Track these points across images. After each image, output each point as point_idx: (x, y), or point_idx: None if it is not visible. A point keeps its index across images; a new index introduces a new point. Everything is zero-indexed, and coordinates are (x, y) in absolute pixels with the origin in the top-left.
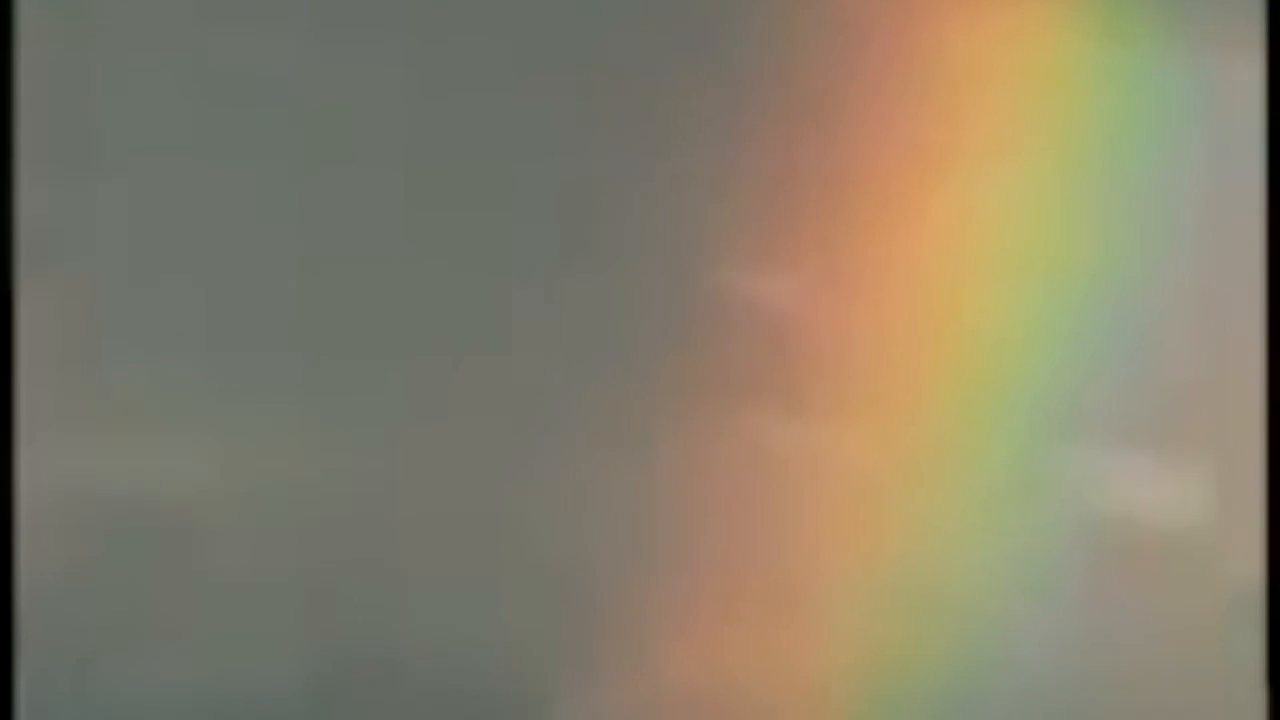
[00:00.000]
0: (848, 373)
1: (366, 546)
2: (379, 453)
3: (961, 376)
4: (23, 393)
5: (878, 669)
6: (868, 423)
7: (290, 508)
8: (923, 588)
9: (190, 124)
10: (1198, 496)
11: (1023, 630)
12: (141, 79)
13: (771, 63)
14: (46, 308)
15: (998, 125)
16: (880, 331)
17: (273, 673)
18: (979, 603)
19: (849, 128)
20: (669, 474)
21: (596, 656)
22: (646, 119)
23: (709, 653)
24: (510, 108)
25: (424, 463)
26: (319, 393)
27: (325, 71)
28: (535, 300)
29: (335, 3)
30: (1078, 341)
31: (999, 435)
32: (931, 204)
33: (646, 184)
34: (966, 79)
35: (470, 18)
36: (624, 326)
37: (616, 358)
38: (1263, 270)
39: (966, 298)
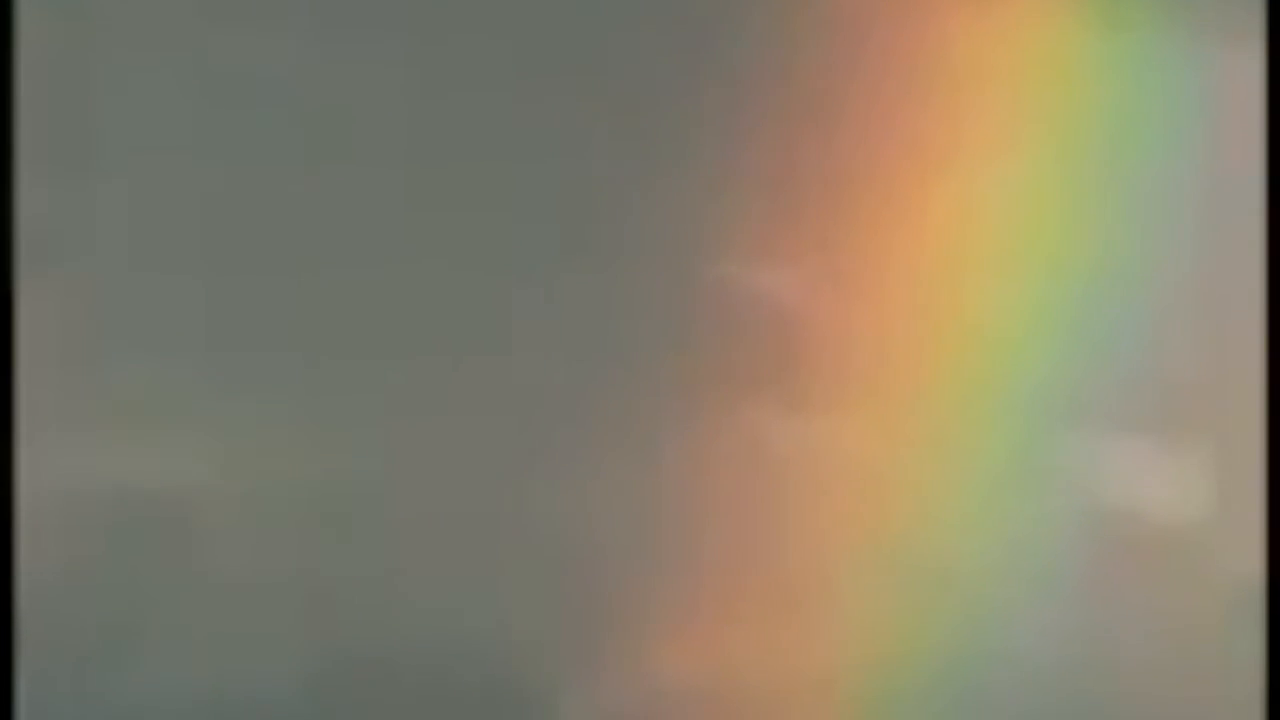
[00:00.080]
0: (849, 368)
1: (367, 545)
2: (379, 451)
3: (962, 370)
4: (22, 392)
5: (881, 663)
6: (869, 417)
7: (291, 506)
8: (924, 582)
9: (190, 124)
10: (1198, 487)
11: (1025, 622)
12: (141, 79)
13: (772, 59)
14: (46, 308)
15: (998, 120)
16: (882, 326)
17: (273, 671)
18: (980, 595)
19: (849, 123)
20: (671, 469)
21: (599, 653)
22: (647, 116)
23: (712, 648)
24: (511, 106)
25: (424, 460)
26: (319, 391)
27: (325, 71)
28: (537, 297)
29: (335, 2)
30: (1078, 334)
31: (1000, 429)
32: (932, 198)
33: (648, 181)
34: (966, 74)
35: (471, 16)
36: (626, 323)
37: (618, 354)
38: (1263, 263)
39: (967, 291)
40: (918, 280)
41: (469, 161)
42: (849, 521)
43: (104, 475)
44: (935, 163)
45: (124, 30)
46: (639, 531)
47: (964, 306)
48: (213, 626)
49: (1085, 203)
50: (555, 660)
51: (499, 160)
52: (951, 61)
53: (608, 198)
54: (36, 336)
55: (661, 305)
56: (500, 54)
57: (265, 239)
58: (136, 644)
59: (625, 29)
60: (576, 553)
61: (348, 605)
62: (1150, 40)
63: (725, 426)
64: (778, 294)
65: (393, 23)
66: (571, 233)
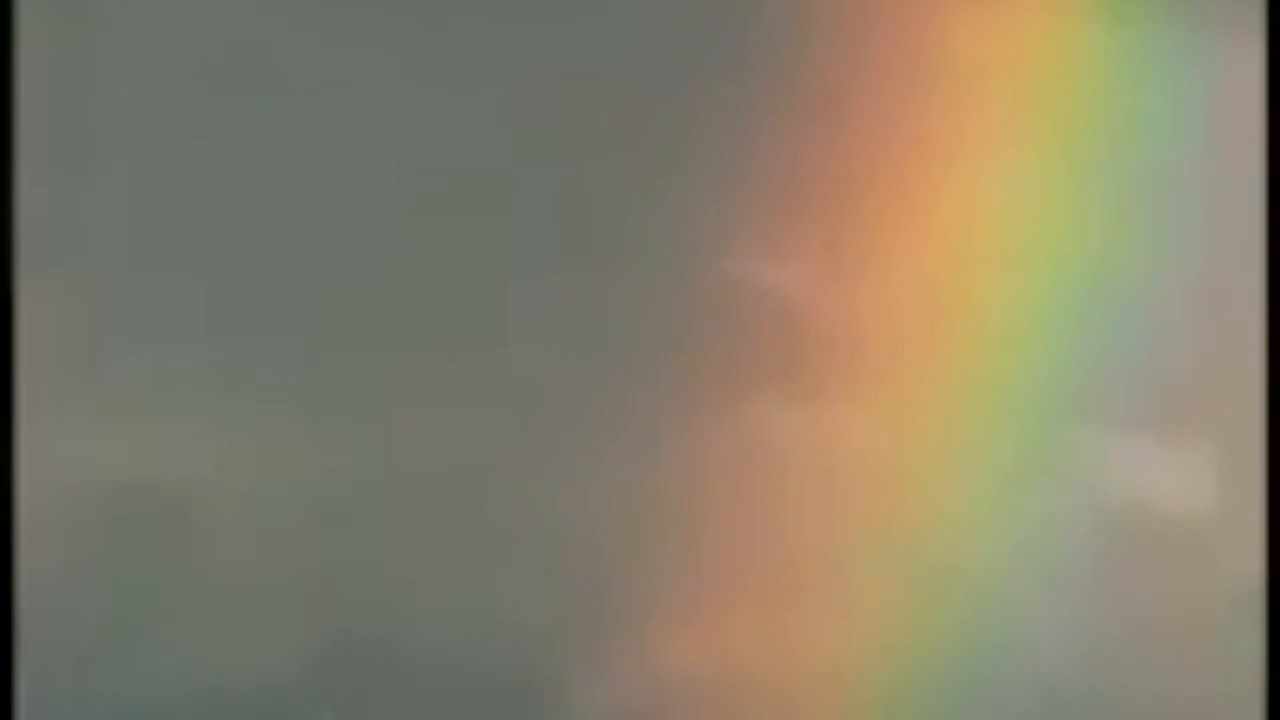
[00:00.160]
0: (855, 363)
1: (368, 540)
2: (381, 445)
3: (967, 366)
4: (23, 389)
5: (886, 656)
6: (874, 412)
7: (292, 501)
8: (928, 575)
9: (189, 123)
10: (1202, 481)
11: (1030, 615)
12: (141, 78)
13: (778, 56)
14: (46, 306)
15: (1001, 116)
16: (888, 321)
17: (275, 665)
18: (985, 588)
19: (854, 119)
20: (677, 464)
21: (604, 645)
22: (653, 113)
23: (717, 640)
24: (517, 102)
25: (427, 455)
26: (321, 386)
27: (325, 69)
28: (543, 291)
29: (336, 2)
30: (1081, 329)
31: (1004, 424)
32: (936, 194)
33: (654, 177)
34: (970, 70)
35: (478, 9)
36: (632, 318)
37: (625, 349)
38: (1263, 258)
39: (972, 287)
40: (922, 275)
41: (472, 158)
42: (854, 515)
43: (104, 470)
44: (939, 159)
45: (124, 30)
46: (645, 525)
47: (969, 300)
48: (213, 620)
49: (1089, 198)
50: (560, 653)
51: (504, 157)
52: (955, 58)
53: (614, 194)
54: (36, 334)
55: (668, 301)
56: (506, 50)
57: (265, 236)
58: (137, 638)
59: (633, 23)
60: (582, 546)
61: (349, 600)
62: (1152, 37)
63: (731, 421)
64: (784, 289)
65: (396, 17)
66: (578, 229)
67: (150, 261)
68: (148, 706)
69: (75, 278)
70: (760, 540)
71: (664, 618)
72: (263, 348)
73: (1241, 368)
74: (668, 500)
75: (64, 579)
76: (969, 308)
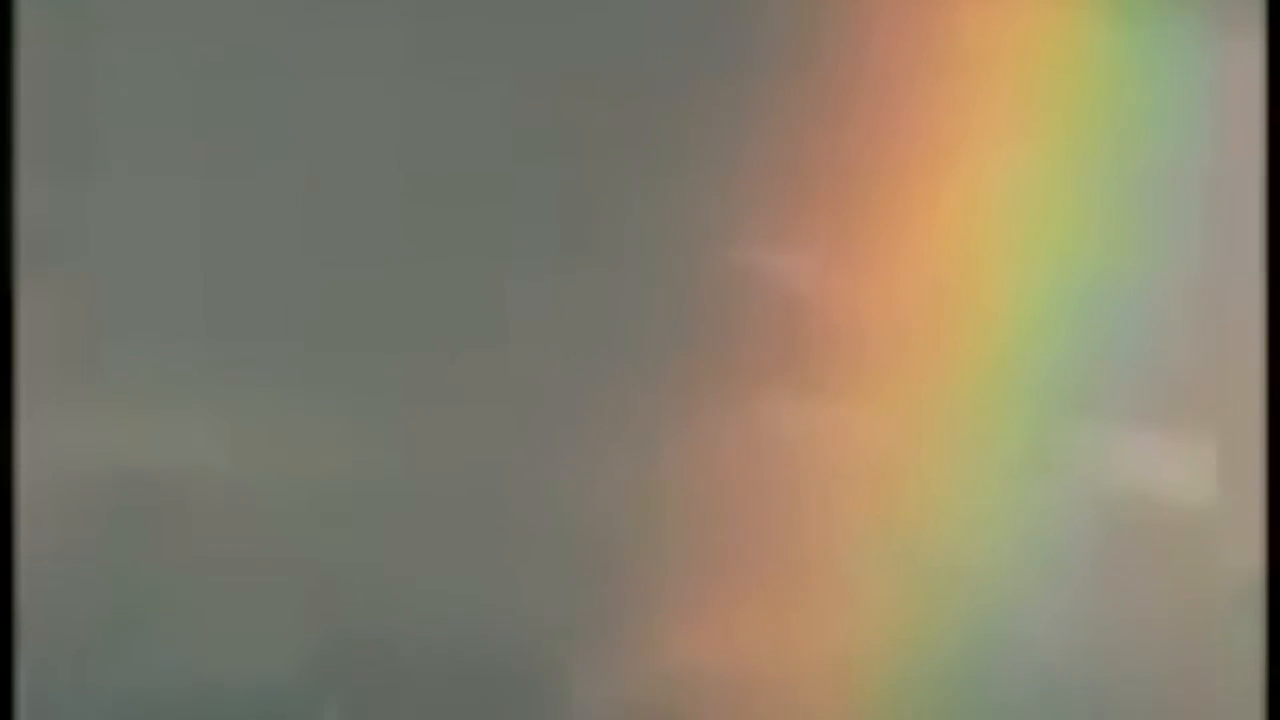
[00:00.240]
0: (861, 356)
1: (371, 532)
2: (384, 437)
3: (971, 358)
4: (23, 387)
5: (891, 647)
6: (880, 405)
7: (295, 494)
8: (934, 567)
9: (189, 122)
10: (1203, 475)
11: (1033, 608)
12: (141, 78)
13: (784, 48)
14: (46, 304)
15: (1006, 110)
16: (893, 314)
17: (276, 657)
18: (990, 581)
19: (860, 112)
20: (682, 456)
21: (610, 639)
22: (660, 106)
23: (724, 633)
24: (523, 95)
25: (433, 446)
26: (323, 378)
27: (326, 68)
28: (549, 284)
29: (337, 1)
30: (1085, 323)
31: (1008, 417)
32: (942, 188)
33: (661, 170)
34: (974, 63)
35: (483, 5)
36: (638, 311)
37: (631, 341)
38: (1264, 253)
39: (977, 281)
40: (927, 269)
41: (475, 152)
42: (859, 509)
43: (105, 466)
44: (944, 153)
45: (124, 30)
46: (650, 519)
47: (972, 296)
48: (214, 614)
49: (1091, 194)
50: (566, 647)
51: (509, 150)
52: (960, 52)
53: (620, 188)
54: (36, 333)
55: (674, 294)
56: (510, 45)
57: (265, 232)
58: (137, 632)
59: (633, 18)
60: (587, 540)
61: (352, 594)
62: (1154, 31)
63: (736, 414)
64: (789, 282)
65: (398, 11)
66: (583, 222)
67: (150, 260)
68: (148, 700)
69: (75, 277)
70: (765, 533)
71: (669, 611)
72: (263, 343)
73: (1242, 362)
74: (673, 494)
75: (64, 573)
76: (973, 302)
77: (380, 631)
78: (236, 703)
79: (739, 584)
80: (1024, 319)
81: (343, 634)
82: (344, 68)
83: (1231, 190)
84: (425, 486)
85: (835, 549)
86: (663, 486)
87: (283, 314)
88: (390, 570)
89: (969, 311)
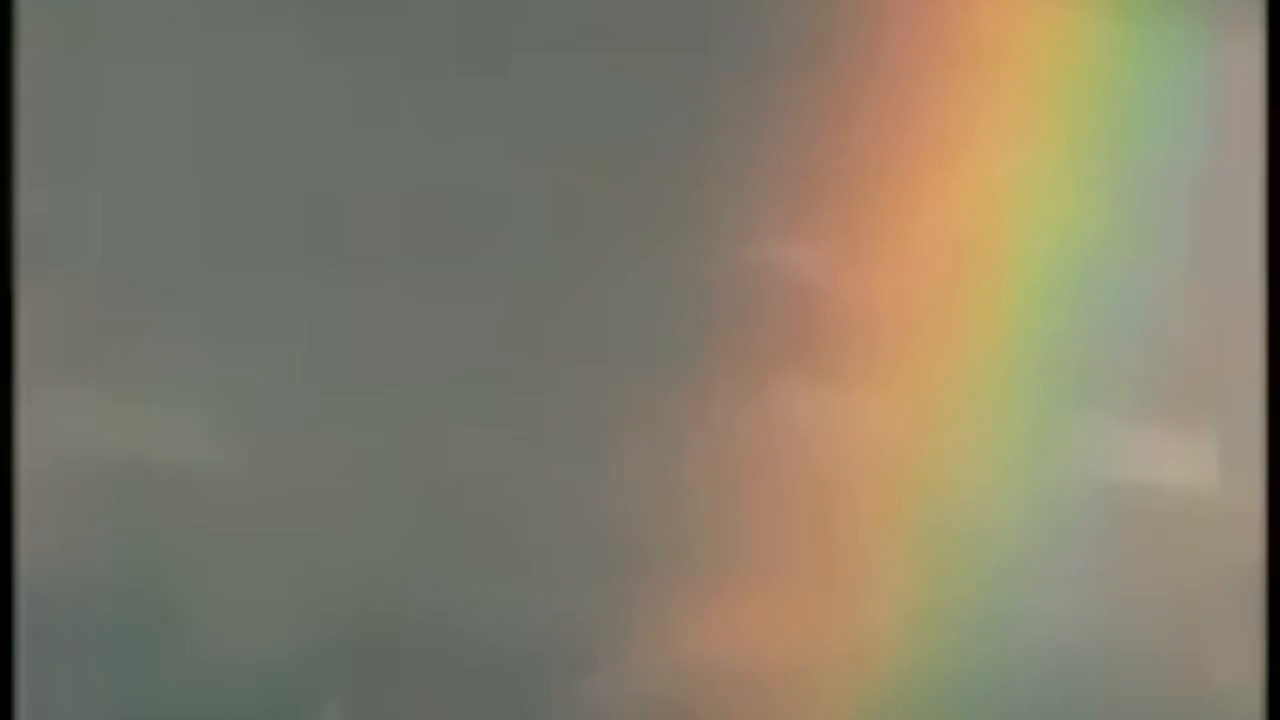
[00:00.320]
0: (873, 347)
1: (378, 525)
2: (391, 427)
3: (981, 348)
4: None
5: (906, 636)
6: (893, 395)
7: (296, 490)
8: (947, 553)
9: (190, 122)
10: (1206, 462)
11: (1044, 593)
12: (141, 79)
13: (795, 44)
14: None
15: (1014, 105)
16: (904, 305)
17: (279, 652)
18: (1002, 567)
19: (870, 107)
20: (697, 447)
21: (625, 630)
22: (672, 102)
23: (739, 623)
24: (533, 92)
25: (440, 438)
26: (331, 369)
27: (326, 69)
28: (562, 280)
29: (338, 2)
30: (1092, 314)
31: (1018, 404)
32: (952, 181)
33: (673, 165)
34: (980, 60)
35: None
36: (653, 303)
37: (645, 333)
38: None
39: (985, 272)
40: (937, 261)
41: (486, 149)
42: (873, 496)
43: (105, 464)
44: (953, 147)
45: (124, 30)
46: (666, 508)
47: (981, 287)
48: (216, 608)
49: (1095, 188)
50: (580, 637)
51: (520, 148)
52: (969, 49)
53: (632, 184)
54: (36, 333)
55: (687, 288)
56: (522, 41)
57: (265, 232)
58: (137, 625)
59: (646, 14)
60: (601, 530)
61: (359, 587)
62: (1156, 28)
63: (749, 405)
64: (803, 274)
65: (402, 11)
66: (595, 219)
67: (150, 258)
68: (148, 694)
69: (75, 276)
70: (781, 521)
71: (683, 602)
72: (265, 338)
73: (1243, 353)
74: (687, 484)
75: (64, 569)
76: (982, 293)
77: (388, 626)
78: (238, 696)
79: (754, 574)
80: (1032, 310)
81: (348, 630)
82: (344, 67)
83: (1231, 186)
84: (434, 478)
85: (849, 537)
86: (677, 477)
87: (285, 309)
88: (398, 564)
89: (978, 303)
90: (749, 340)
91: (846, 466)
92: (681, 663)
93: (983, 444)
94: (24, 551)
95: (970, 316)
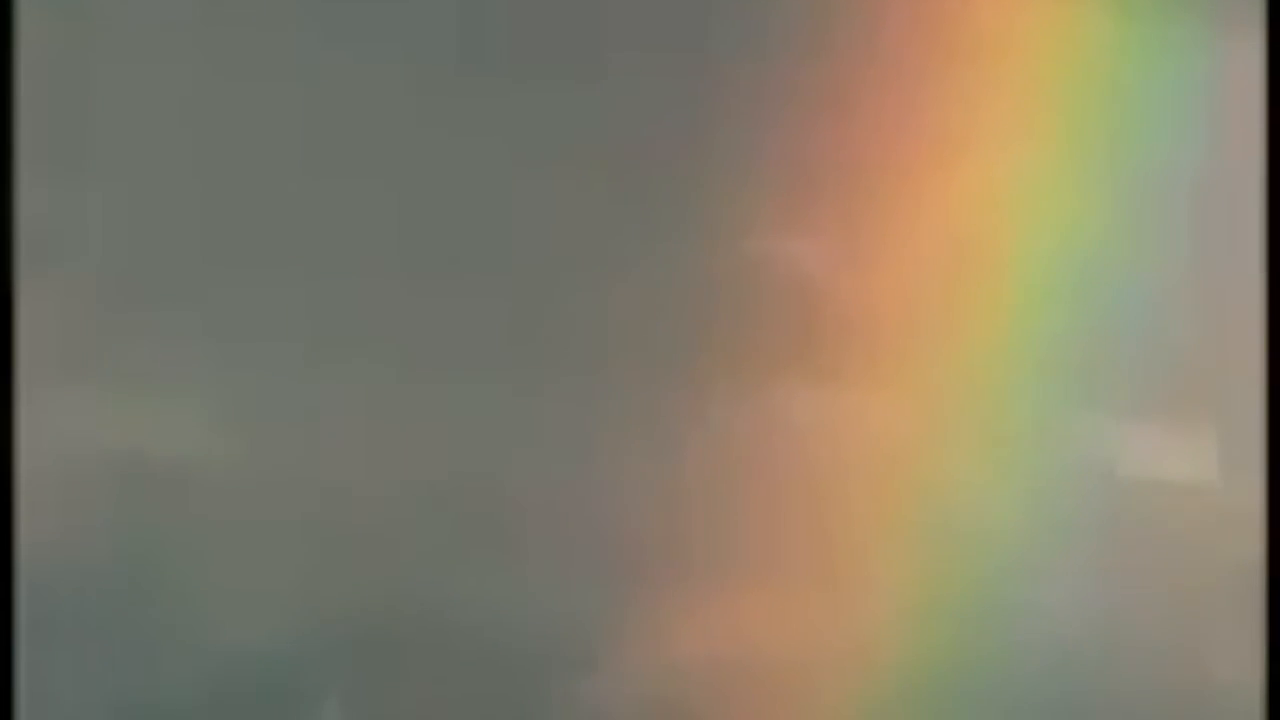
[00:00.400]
0: (873, 344)
1: (376, 520)
2: (388, 424)
3: (981, 346)
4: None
5: (905, 634)
6: (892, 393)
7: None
8: (947, 551)
9: (190, 123)
10: (1205, 460)
11: (1049, 591)
12: (141, 79)
13: (794, 39)
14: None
15: (1014, 102)
16: (904, 302)
17: (279, 648)
18: (1002, 566)
19: (870, 104)
20: (696, 444)
21: (623, 627)
22: (673, 94)
23: (738, 620)
24: (533, 88)
25: (439, 435)
26: (330, 365)
27: (327, 69)
28: (561, 276)
29: (339, 2)
30: (1093, 312)
31: (1018, 402)
32: (953, 178)
33: (673, 161)
34: (981, 57)
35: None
36: (652, 299)
37: (644, 330)
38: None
39: (985, 270)
40: (938, 258)
41: (485, 145)
42: (872, 495)
43: (105, 463)
44: (953, 143)
45: (124, 30)
46: (664, 506)
47: (981, 285)
48: (215, 603)
49: (1096, 186)
50: (578, 636)
51: (520, 144)
52: (969, 45)
53: (631, 181)
54: (36, 333)
55: (688, 283)
56: (519, 38)
57: (264, 231)
58: (137, 620)
59: (646, 7)
60: (600, 528)
61: (357, 584)
62: (1156, 28)
63: (748, 403)
64: (802, 271)
65: (404, 11)
66: (594, 214)
67: (150, 256)
68: (148, 689)
69: (75, 275)
70: (780, 519)
71: (682, 601)
72: (265, 335)
73: (1242, 350)
74: (686, 484)
75: (64, 564)
76: (983, 291)
77: (386, 624)
78: (236, 687)
79: (753, 572)
80: (1032, 309)
81: (347, 624)
82: (344, 67)
83: (1231, 186)
84: (432, 475)
85: (848, 537)
86: (676, 476)
87: (285, 308)
88: (396, 562)
89: (978, 301)
90: (748, 339)
91: (846, 465)
92: (680, 662)
93: (983, 442)
94: (24, 544)
95: (970, 315)
